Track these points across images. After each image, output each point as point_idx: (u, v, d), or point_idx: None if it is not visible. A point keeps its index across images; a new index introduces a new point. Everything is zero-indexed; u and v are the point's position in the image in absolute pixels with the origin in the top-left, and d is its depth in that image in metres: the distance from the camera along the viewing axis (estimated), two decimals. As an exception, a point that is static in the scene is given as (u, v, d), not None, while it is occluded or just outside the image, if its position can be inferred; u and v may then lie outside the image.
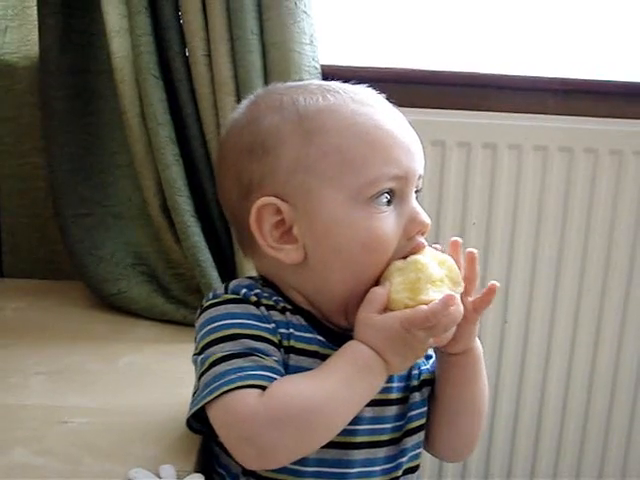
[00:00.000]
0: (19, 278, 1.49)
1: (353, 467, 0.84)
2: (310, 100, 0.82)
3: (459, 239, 0.86)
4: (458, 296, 0.77)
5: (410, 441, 0.90)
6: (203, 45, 1.27)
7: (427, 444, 0.95)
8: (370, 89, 0.88)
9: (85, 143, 1.38)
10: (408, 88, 1.49)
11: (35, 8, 1.34)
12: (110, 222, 1.39)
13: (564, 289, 1.56)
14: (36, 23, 1.34)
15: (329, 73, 1.32)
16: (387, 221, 0.80)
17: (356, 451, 0.84)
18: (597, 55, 1.58)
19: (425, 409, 0.92)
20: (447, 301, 0.75)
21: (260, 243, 0.82)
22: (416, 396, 0.90)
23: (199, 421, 0.81)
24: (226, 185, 0.87)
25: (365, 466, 0.85)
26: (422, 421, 0.91)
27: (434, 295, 0.76)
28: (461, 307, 0.78)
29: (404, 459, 0.89)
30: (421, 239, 0.84)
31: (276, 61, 1.27)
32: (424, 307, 0.75)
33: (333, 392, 0.75)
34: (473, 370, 0.90)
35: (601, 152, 1.50)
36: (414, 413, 0.90)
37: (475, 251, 0.86)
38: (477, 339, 0.90)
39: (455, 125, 1.49)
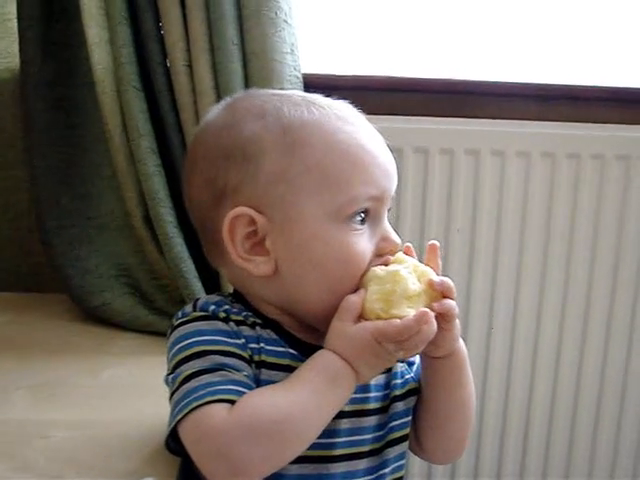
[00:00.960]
0: (2, 292, 1.48)
1: None
2: (295, 112, 0.81)
3: (436, 242, 0.85)
4: (432, 314, 0.76)
5: (392, 452, 0.88)
6: (184, 55, 1.27)
7: (416, 447, 0.94)
8: (350, 106, 0.86)
9: (67, 155, 1.38)
10: (390, 96, 1.50)
11: (15, 20, 1.33)
12: (93, 234, 1.38)
13: (549, 294, 1.56)
14: (17, 36, 1.34)
15: (311, 82, 1.32)
16: (362, 238, 0.80)
17: (335, 464, 0.82)
18: (578, 60, 1.58)
19: (409, 419, 0.90)
20: (420, 318, 0.74)
21: (230, 252, 0.80)
22: (398, 406, 0.88)
23: (178, 441, 0.78)
24: (196, 187, 0.84)
25: (346, 479, 0.83)
26: (406, 431, 0.90)
27: (407, 311, 0.75)
28: (434, 325, 0.76)
29: (387, 470, 0.88)
30: (408, 244, 0.84)
31: (257, 70, 1.27)
32: (397, 321, 0.74)
33: (302, 402, 0.74)
34: (458, 373, 0.89)
35: (583, 157, 1.50)
36: (396, 423, 0.88)
37: (437, 243, 0.85)
38: (461, 342, 0.88)
39: (438, 132, 1.49)
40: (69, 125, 1.38)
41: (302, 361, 0.81)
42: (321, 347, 0.81)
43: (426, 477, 1.66)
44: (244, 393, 0.74)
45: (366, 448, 0.85)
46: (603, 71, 1.58)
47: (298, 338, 0.84)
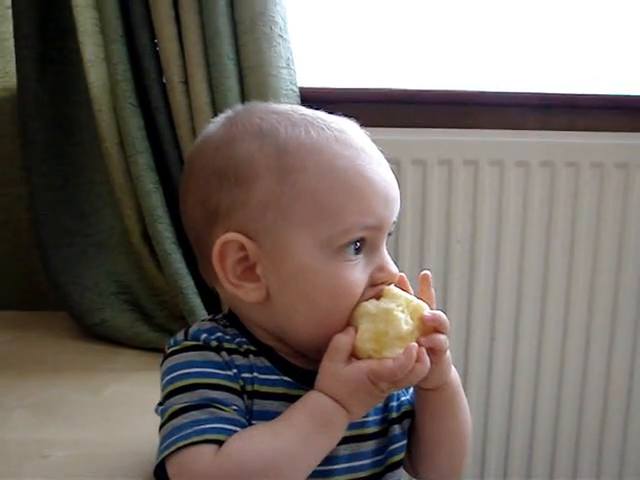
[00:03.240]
0: (2, 310, 1.48)
1: None
2: (292, 133, 0.77)
3: (428, 273, 0.83)
4: (423, 349, 0.74)
5: (393, 476, 0.87)
6: (179, 72, 1.28)
7: (410, 470, 0.92)
8: (355, 125, 0.83)
9: (65, 173, 1.38)
10: (387, 108, 1.50)
11: (12, 40, 1.34)
12: (92, 251, 1.38)
13: (551, 302, 1.56)
14: (13, 55, 1.35)
15: (308, 95, 1.33)
16: (355, 270, 0.77)
17: None
18: (575, 69, 1.58)
19: (405, 442, 0.88)
20: (410, 354, 0.72)
21: (220, 277, 0.78)
22: (396, 429, 0.87)
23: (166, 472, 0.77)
24: (190, 204, 0.82)
25: None
26: (404, 454, 0.89)
27: (399, 352, 0.73)
28: (427, 361, 0.74)
29: None
30: (401, 274, 0.82)
31: (253, 85, 1.27)
32: (390, 362, 0.73)
33: (289, 449, 0.72)
34: (450, 404, 0.86)
35: (582, 165, 1.50)
36: (396, 446, 0.86)
37: (429, 273, 0.83)
38: (454, 372, 0.85)
39: (436, 143, 1.49)
40: (67, 143, 1.38)
41: (298, 388, 0.79)
42: (316, 373, 0.80)
43: None
44: (232, 431, 0.73)
45: (365, 473, 0.83)
46: (601, 79, 1.58)
47: (293, 364, 0.82)
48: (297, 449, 0.72)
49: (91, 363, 1.26)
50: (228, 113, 0.85)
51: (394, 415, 0.87)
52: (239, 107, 0.86)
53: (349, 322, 0.77)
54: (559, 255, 1.54)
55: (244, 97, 1.28)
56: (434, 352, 0.76)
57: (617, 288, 1.56)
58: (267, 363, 0.80)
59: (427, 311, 0.77)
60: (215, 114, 1.24)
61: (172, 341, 0.82)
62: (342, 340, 0.76)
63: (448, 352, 0.80)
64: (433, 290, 0.82)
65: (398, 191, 0.81)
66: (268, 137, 0.77)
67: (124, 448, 0.96)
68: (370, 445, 0.84)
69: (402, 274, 0.83)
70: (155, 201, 1.28)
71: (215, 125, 0.83)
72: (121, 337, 1.33)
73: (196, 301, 1.28)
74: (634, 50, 1.61)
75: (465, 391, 0.88)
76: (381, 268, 0.80)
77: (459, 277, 1.53)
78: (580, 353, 1.58)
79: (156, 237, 1.29)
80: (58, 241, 1.37)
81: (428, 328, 0.76)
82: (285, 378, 0.80)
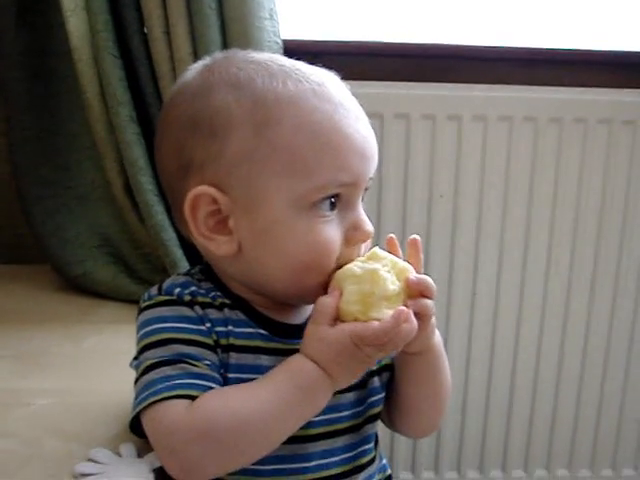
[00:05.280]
0: (-16, 263, 1.48)
1: (311, 460, 0.81)
2: (269, 85, 0.76)
3: (417, 237, 0.81)
4: (410, 312, 0.73)
5: (371, 428, 0.87)
6: (161, 22, 1.26)
7: (387, 422, 0.93)
8: (335, 77, 0.81)
9: (46, 125, 1.37)
10: (371, 61, 1.49)
11: (-13, -12, 1.32)
12: (74, 204, 1.38)
13: (533, 259, 1.57)
14: (-10, 5, 1.32)
15: (291, 48, 1.31)
16: (329, 226, 0.77)
17: (312, 444, 0.81)
18: (560, 24, 1.57)
19: (384, 395, 0.89)
20: (399, 317, 0.71)
21: (192, 229, 0.78)
22: (375, 381, 0.87)
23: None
24: (165, 154, 0.81)
25: (324, 457, 0.82)
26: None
27: (386, 312, 0.72)
28: (414, 323, 0.72)
29: (368, 446, 0.87)
30: (391, 236, 0.81)
31: (236, 36, 1.25)
32: (375, 323, 0.71)
33: (264, 412, 0.72)
34: (432, 368, 0.86)
35: (566, 121, 1.50)
36: (375, 399, 0.87)
37: (418, 237, 0.81)
38: (437, 336, 0.84)
39: (419, 97, 1.48)
40: (47, 94, 1.37)
41: (274, 341, 0.80)
42: (292, 325, 0.80)
43: (433, 470, 1.69)
44: (204, 386, 0.73)
45: (344, 425, 0.84)
46: (586, 34, 1.57)
47: (268, 317, 0.82)
48: (273, 412, 0.72)
49: (73, 315, 1.27)
50: (206, 60, 0.83)
51: (373, 367, 0.86)
52: (218, 54, 0.85)
53: (334, 285, 0.76)
54: (542, 209, 1.54)
55: (226, 48, 1.25)
56: (420, 317, 0.75)
57: (599, 241, 1.57)
58: (242, 316, 0.81)
59: (413, 275, 0.76)
60: (197, 65, 1.24)
61: (146, 295, 0.82)
62: (326, 302, 0.75)
63: (433, 317, 0.79)
64: (422, 255, 0.81)
65: (376, 147, 0.80)
66: (245, 88, 0.76)
67: (105, 397, 0.97)
68: (349, 397, 0.84)
69: (392, 235, 0.82)
70: (137, 153, 1.27)
71: (192, 72, 0.82)
72: (103, 289, 1.34)
73: (178, 253, 1.28)
74: (620, 6, 1.60)
75: (445, 347, 0.88)
76: (356, 227, 0.79)
77: (442, 231, 1.53)
78: (561, 305, 1.60)
79: (138, 189, 1.28)
80: (39, 193, 1.36)
81: (414, 292, 0.75)
82: (261, 331, 0.80)
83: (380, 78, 1.46)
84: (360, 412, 0.86)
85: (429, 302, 0.76)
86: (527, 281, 1.58)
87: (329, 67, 0.82)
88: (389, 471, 0.96)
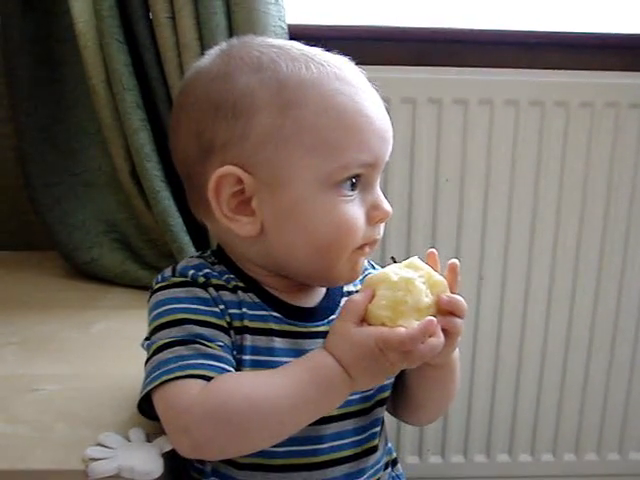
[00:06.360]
0: (-8, 249, 1.48)
1: (323, 442, 0.82)
2: (293, 68, 0.77)
3: (456, 262, 0.80)
4: (438, 325, 0.73)
5: (380, 412, 0.88)
6: (166, 7, 1.25)
7: (392, 411, 0.95)
8: (351, 62, 0.83)
9: (53, 111, 1.37)
10: (377, 45, 1.49)
11: (-6, -24, 1.32)
12: (80, 190, 1.38)
13: (540, 243, 1.56)
14: (-4, -9, 1.32)
15: (296, 32, 1.31)
16: (352, 205, 0.78)
17: (324, 426, 0.81)
18: (566, 7, 1.57)
19: (393, 380, 0.90)
20: (426, 327, 0.71)
21: (215, 210, 0.79)
22: None
23: (151, 406, 0.78)
24: (183, 138, 0.82)
25: (335, 440, 0.83)
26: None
27: (414, 324, 0.72)
28: (442, 338, 0.73)
29: (377, 429, 0.88)
30: (432, 250, 0.81)
31: (241, 21, 1.24)
32: (402, 329, 0.71)
33: (278, 396, 0.72)
34: (446, 379, 0.88)
35: (572, 104, 1.49)
36: (385, 383, 0.86)
37: (457, 262, 0.80)
38: (456, 351, 0.84)
39: (425, 81, 1.47)
40: (53, 80, 1.36)
41: (288, 324, 0.81)
42: (305, 308, 0.81)
43: (440, 454, 1.69)
44: (217, 367, 0.73)
45: (355, 408, 0.84)
46: (593, 17, 1.56)
47: (282, 300, 0.83)
48: (286, 401, 0.72)
49: (81, 301, 1.27)
50: (222, 46, 0.84)
51: (393, 375, 0.86)
52: (234, 40, 0.85)
53: (366, 286, 0.76)
54: (549, 193, 1.54)
55: (232, 33, 1.25)
56: (447, 334, 0.75)
57: (606, 224, 1.56)
58: (256, 299, 0.81)
59: (445, 294, 0.76)
60: (203, 50, 1.22)
61: (160, 277, 0.83)
62: (356, 301, 0.75)
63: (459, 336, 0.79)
64: (459, 278, 0.81)
65: (391, 130, 0.82)
66: (269, 71, 0.77)
67: (113, 382, 0.97)
68: None
69: (434, 250, 0.81)
70: (143, 139, 1.27)
71: (209, 58, 0.83)
72: (110, 275, 1.34)
73: (185, 239, 1.28)
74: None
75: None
76: (376, 206, 0.81)
77: (448, 216, 1.53)
78: (568, 288, 1.59)
79: (144, 175, 1.28)
80: (45, 180, 1.36)
81: (444, 309, 0.76)
82: (274, 314, 0.81)
83: (386, 62, 1.46)
84: (370, 396, 0.87)
85: (458, 321, 0.77)
86: (534, 265, 1.57)
87: (347, 55, 0.83)
88: (394, 454, 0.97)
